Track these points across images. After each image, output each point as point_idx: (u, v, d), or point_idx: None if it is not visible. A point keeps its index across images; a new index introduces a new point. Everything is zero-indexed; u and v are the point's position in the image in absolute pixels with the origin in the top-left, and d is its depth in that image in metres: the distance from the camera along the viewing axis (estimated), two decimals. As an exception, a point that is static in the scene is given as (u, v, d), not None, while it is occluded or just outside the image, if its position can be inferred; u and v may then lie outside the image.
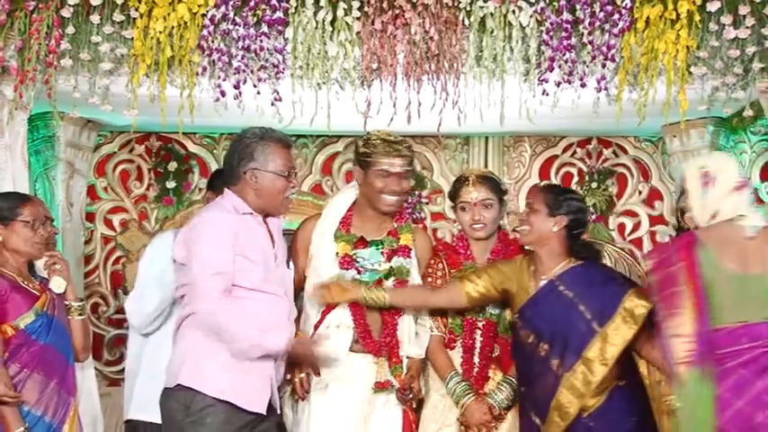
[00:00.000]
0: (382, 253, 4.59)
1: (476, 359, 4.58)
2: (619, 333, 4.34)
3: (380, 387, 4.48)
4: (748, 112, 5.13)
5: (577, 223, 4.54)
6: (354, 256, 4.55)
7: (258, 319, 4.13)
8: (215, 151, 6.98)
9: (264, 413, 4.17)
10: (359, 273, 4.54)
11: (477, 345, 4.59)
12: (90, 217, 6.93)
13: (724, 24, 4.82)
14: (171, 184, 6.90)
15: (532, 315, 4.47)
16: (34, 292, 4.38)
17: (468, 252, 4.68)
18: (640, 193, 6.94)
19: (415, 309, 4.60)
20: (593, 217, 6.83)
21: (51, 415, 4.33)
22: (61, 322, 4.43)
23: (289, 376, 4.36)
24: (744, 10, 4.80)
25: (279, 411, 4.32)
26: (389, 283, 4.55)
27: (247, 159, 4.26)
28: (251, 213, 4.25)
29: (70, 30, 4.86)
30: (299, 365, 4.35)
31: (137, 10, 4.83)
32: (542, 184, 4.95)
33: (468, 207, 4.64)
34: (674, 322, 4.04)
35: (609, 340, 4.34)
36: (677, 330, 4.02)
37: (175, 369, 4.14)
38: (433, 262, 4.71)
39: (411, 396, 4.49)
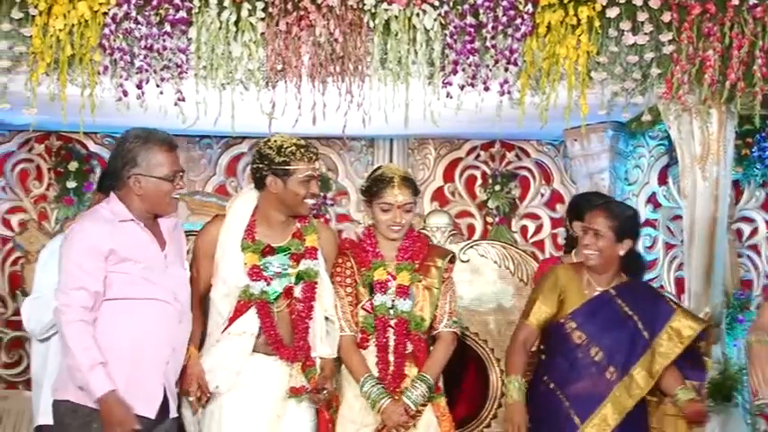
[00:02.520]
0: (290, 258, 4.56)
1: (390, 357, 4.57)
2: (665, 349, 4.56)
3: (296, 392, 4.44)
4: (647, 117, 5.24)
5: (637, 241, 4.72)
6: (262, 266, 4.51)
7: (133, 332, 4.07)
8: (117, 151, 6.88)
9: (153, 417, 4.11)
10: (268, 283, 4.50)
11: (391, 343, 4.58)
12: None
13: (623, 30, 4.92)
14: (71, 184, 6.79)
15: (586, 320, 4.61)
16: None
17: (377, 250, 4.67)
18: (542, 195, 7.03)
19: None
20: (497, 219, 6.91)
21: None
22: None
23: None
24: (642, 16, 4.90)
25: (177, 414, 4.28)
26: (299, 287, 4.53)
27: (131, 164, 4.11)
28: (132, 220, 4.16)
29: (-33, 26, 4.77)
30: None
31: (36, 7, 4.75)
32: (602, 205, 4.78)
33: (390, 209, 4.61)
34: None
35: (656, 355, 4.55)
36: None
37: (63, 384, 4.06)
38: (340, 261, 4.67)
39: (324, 397, 4.46)
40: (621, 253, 4.60)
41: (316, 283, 4.53)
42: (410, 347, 4.59)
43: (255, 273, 4.46)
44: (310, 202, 4.52)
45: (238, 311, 4.46)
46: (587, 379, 4.57)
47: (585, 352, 4.59)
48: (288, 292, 4.50)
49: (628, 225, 4.64)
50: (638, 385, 4.54)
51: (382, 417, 4.47)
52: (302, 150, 4.47)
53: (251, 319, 4.45)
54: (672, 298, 4.93)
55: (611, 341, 4.57)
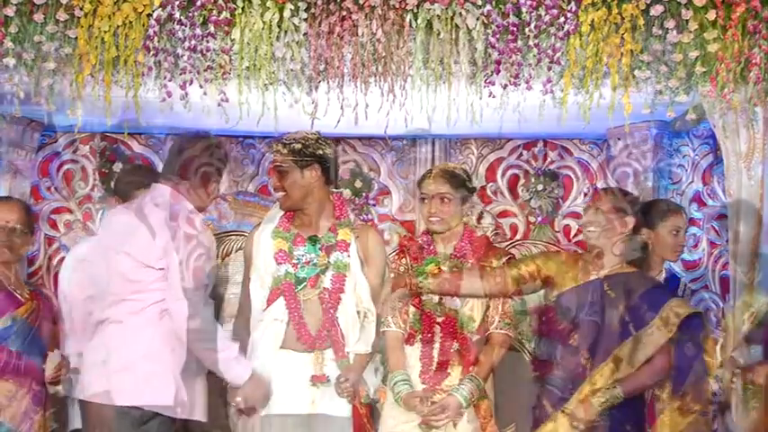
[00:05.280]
0: (320, 248, 4.61)
1: (435, 354, 4.58)
2: (652, 339, 4.51)
3: (317, 380, 4.47)
4: (691, 116, 5.20)
5: (638, 225, 4.68)
6: (289, 252, 4.58)
7: None
8: (160, 152, 6.93)
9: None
10: (294, 267, 4.56)
11: (437, 340, 4.59)
12: (33, 217, 6.85)
13: (667, 29, 4.89)
14: (116, 185, 6.85)
15: (571, 304, 4.59)
16: (20, 298, 4.34)
17: (432, 247, 4.69)
18: (585, 195, 6.99)
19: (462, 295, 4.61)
20: (539, 219, 6.88)
21: (17, 424, 4.27)
22: (40, 335, 4.38)
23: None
24: (686, 14, 4.86)
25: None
26: (328, 277, 4.56)
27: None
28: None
29: (13, 29, 4.81)
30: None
31: (81, 9, 4.79)
32: (605, 187, 4.97)
33: (426, 199, 4.66)
34: None
35: (641, 344, 4.50)
36: None
37: (122, 386, 4.13)
38: (397, 257, 4.75)
39: (345, 387, 4.45)
40: (623, 230, 4.59)
41: (345, 275, 4.57)
42: (456, 346, 4.59)
43: (281, 256, 4.56)
44: (276, 194, 4.67)
45: (270, 301, 4.53)
46: (564, 364, 4.53)
47: (565, 336, 4.56)
48: (315, 280, 4.55)
49: (630, 204, 4.65)
50: (619, 372, 4.47)
51: (405, 407, 4.48)
52: (274, 141, 4.57)
53: (280, 307, 4.51)
54: (672, 290, 4.85)
55: (587, 326, 4.53)
